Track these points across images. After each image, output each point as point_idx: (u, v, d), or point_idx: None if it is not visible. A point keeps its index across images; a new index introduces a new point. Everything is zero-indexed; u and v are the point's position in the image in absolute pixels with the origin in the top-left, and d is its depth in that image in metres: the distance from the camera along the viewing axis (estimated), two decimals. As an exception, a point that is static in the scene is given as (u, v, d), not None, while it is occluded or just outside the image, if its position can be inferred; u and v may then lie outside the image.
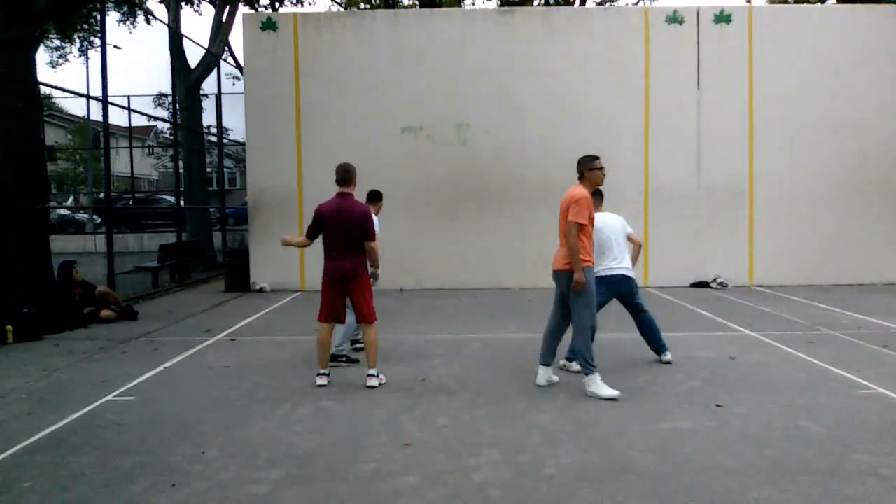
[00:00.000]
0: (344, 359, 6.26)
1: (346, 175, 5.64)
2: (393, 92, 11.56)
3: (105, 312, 8.75)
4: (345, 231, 5.48)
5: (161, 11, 20.37)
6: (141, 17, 18.84)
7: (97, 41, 16.96)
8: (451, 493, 3.50)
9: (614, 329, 7.87)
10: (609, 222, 5.96)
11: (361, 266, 5.60)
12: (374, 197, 6.77)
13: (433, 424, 4.57)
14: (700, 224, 11.54)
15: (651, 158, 11.47)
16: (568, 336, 5.51)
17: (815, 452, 3.98)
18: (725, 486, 3.54)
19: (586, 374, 5.19)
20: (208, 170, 21.42)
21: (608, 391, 5.07)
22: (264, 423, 4.64)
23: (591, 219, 5.19)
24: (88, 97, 17.05)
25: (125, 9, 18.51)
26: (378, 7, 21.43)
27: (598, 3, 22.95)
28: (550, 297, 5.59)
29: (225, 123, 18.04)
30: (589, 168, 5.22)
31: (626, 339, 7.30)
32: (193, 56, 16.07)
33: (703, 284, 11.38)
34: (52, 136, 30.09)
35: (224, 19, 16.51)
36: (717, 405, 4.85)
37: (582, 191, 5.15)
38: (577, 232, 5.04)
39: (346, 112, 11.55)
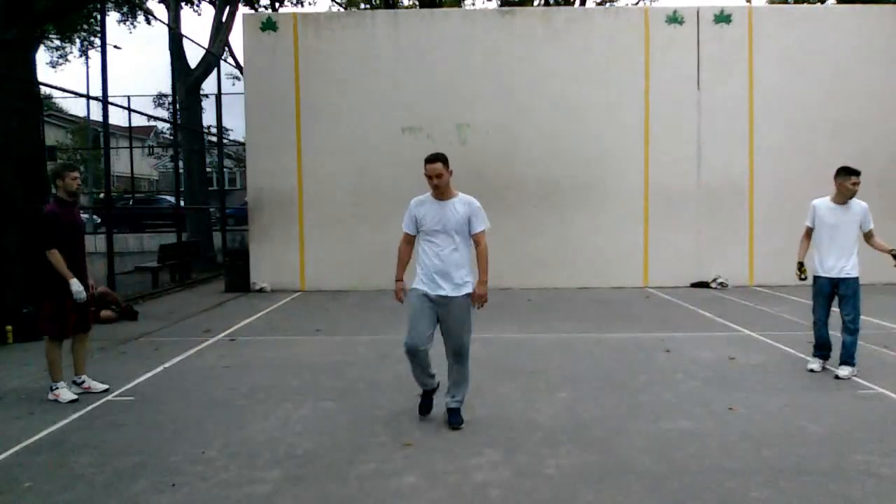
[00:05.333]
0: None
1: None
2: (393, 92, 11.56)
3: (105, 312, 8.74)
4: (82, 240, 5.46)
5: (161, 11, 20.36)
6: (141, 18, 18.87)
7: (97, 41, 16.98)
8: (451, 493, 3.50)
9: (613, 329, 7.89)
10: None
11: None
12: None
13: (433, 424, 4.57)
14: (700, 224, 11.54)
15: (651, 158, 11.46)
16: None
17: (815, 452, 3.97)
18: (725, 486, 3.54)
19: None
20: (208, 170, 21.43)
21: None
22: (264, 423, 4.63)
23: None
24: (88, 97, 17.05)
25: (125, 9, 18.51)
26: (378, 7, 21.43)
27: (599, 3, 22.94)
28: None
29: (225, 123, 18.04)
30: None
31: (627, 338, 7.31)
32: (193, 56, 16.10)
33: (703, 284, 11.37)
34: (52, 136, 30.07)
35: (224, 19, 16.50)
36: (731, 408, 4.79)
37: None
38: None
39: (346, 112, 11.55)
